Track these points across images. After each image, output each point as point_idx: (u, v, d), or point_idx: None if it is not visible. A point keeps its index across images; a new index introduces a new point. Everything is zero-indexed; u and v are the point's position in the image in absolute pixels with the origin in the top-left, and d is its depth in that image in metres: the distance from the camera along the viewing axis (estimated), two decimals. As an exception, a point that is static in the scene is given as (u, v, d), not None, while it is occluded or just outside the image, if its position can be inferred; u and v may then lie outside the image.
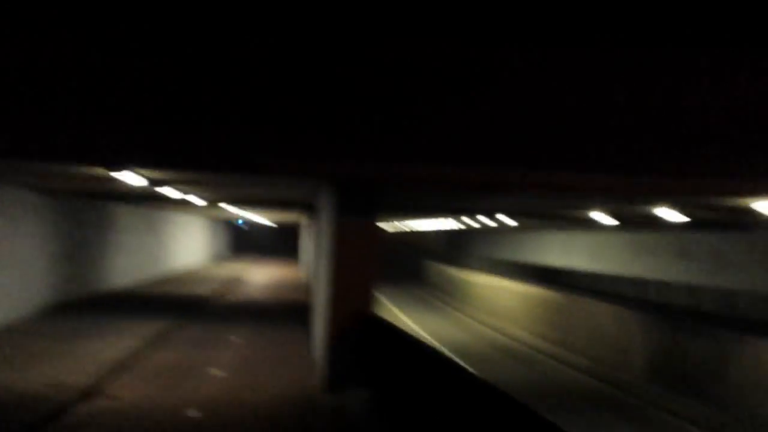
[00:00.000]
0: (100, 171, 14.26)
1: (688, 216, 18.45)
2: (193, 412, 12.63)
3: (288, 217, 46.81)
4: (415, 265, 69.11)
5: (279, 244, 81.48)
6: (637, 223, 24.74)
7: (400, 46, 10.84)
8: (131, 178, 13.80)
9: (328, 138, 11.62)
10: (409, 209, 30.91)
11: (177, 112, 11.29)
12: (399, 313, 40.71)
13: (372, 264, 14.36)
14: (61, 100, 10.81)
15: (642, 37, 10.25)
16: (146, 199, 26.05)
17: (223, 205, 31.75)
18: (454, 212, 31.49)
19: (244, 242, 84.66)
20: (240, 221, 72.89)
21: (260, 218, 57.56)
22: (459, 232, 62.18)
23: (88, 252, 28.39)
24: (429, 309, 44.72)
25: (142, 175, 13.96)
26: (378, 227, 14.29)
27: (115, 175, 13.92)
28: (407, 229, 70.47)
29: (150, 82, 11.06)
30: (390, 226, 62.55)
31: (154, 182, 15.75)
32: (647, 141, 12.08)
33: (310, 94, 11.57)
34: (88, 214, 28.20)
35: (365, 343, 13.59)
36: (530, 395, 21.37)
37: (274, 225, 76.12)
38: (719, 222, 21.39)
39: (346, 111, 11.69)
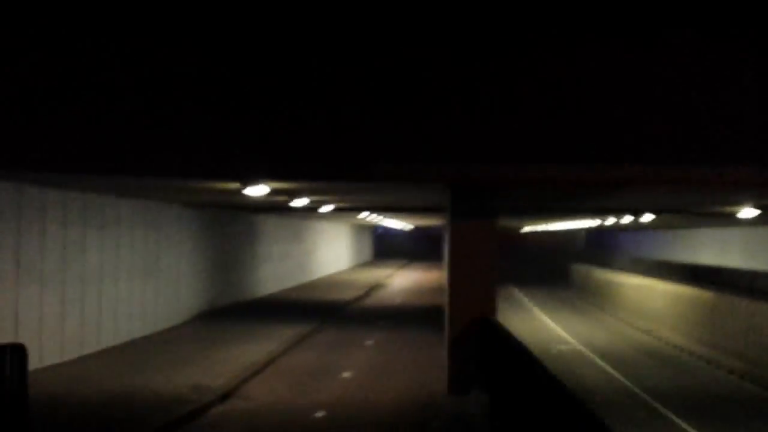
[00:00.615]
0: (232, 185, 15.16)
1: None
2: (320, 413, 13.15)
3: (431, 221, 47.30)
4: (558, 266, 67.63)
5: (424, 249, 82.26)
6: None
7: (515, 52, 10.85)
8: (259, 191, 14.57)
9: (437, 142, 11.79)
10: (538, 210, 30.39)
11: (298, 125, 11.88)
12: (542, 314, 40.05)
13: (492, 267, 14.33)
14: (191, 115, 11.69)
15: None
16: (286, 210, 27.23)
17: (363, 214, 32.61)
18: (590, 212, 30.61)
19: (389, 248, 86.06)
20: (380, 228, 74.27)
21: (403, 224, 58.42)
22: (602, 231, 60.20)
23: (235, 261, 30.05)
24: (573, 311, 43.66)
25: (269, 187, 14.69)
26: (495, 230, 14.25)
27: (246, 189, 14.73)
28: (548, 230, 69.04)
29: (273, 98, 11.71)
30: (528, 226, 61.56)
31: (279, 192, 16.53)
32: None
33: (421, 103, 11.81)
34: (234, 225, 29.86)
35: (487, 347, 13.59)
36: (679, 401, 20.43)
37: (417, 230, 76.94)
38: None
39: (456, 116, 11.81)
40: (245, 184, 14.29)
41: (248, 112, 11.78)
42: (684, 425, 18.15)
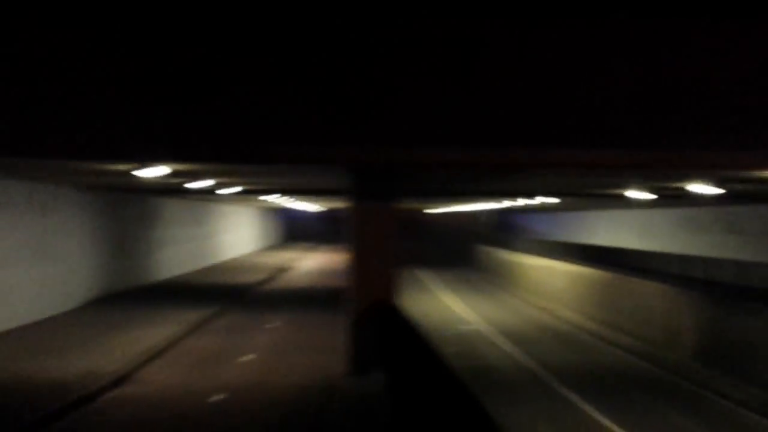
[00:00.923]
0: (124, 166, 14.66)
1: (722, 188, 17.94)
2: (217, 396, 12.95)
3: (339, 204, 47.20)
4: (463, 248, 68.94)
5: (333, 232, 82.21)
6: (672, 197, 24.25)
7: (417, 27, 10.84)
8: (156, 172, 14.15)
9: (340, 125, 11.73)
10: (440, 194, 30.82)
11: (194, 105, 11.57)
12: (446, 296, 40.73)
13: (392, 249, 14.42)
14: (82, 97, 11.19)
15: (661, 8, 10.02)
16: (186, 192, 26.61)
17: (266, 196, 32.21)
18: (492, 195, 31.27)
19: (296, 231, 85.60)
20: (288, 211, 73.73)
21: (311, 206, 58.14)
22: (503, 212, 61.72)
23: (134, 245, 29.19)
24: (477, 291, 44.59)
25: (166, 169, 14.29)
26: (395, 213, 14.33)
27: (138, 171, 14.28)
28: (454, 212, 70.24)
29: (165, 79, 11.35)
30: (433, 208, 62.45)
31: (177, 175, 16.11)
32: (679, 115, 11.84)
33: (321, 83, 11.69)
34: (132, 208, 28.97)
35: (385, 329, 13.69)
36: (574, 377, 21.17)
37: (326, 213, 76.77)
38: (745, 194, 20.80)
39: (358, 98, 11.76)
40: (142, 165, 13.85)
41: (145, 91, 11.38)
42: (575, 398, 18.85)
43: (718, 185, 17.62)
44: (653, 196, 22.80)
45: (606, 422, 16.88)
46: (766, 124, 11.86)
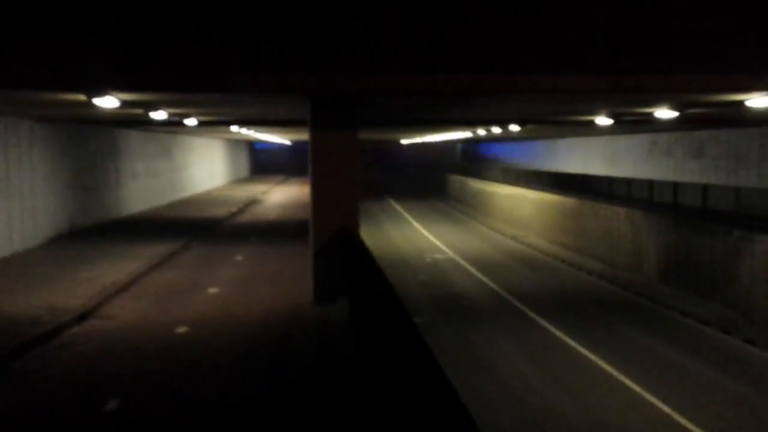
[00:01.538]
0: (79, 97, 14.29)
1: (681, 113, 17.99)
2: (182, 328, 12.99)
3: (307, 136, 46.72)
4: (436, 178, 69.06)
5: (303, 164, 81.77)
6: (635, 122, 24.30)
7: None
8: (108, 102, 13.81)
9: (295, 51, 11.46)
10: (404, 123, 30.55)
11: (149, 33, 11.22)
12: (419, 225, 40.95)
13: (354, 179, 14.34)
14: (32, 25, 10.80)
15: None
16: (149, 124, 26.13)
17: (235, 127, 31.74)
18: (460, 123, 31.09)
19: (267, 163, 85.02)
20: (257, 143, 72.98)
21: (280, 138, 57.55)
22: (475, 141, 61.65)
23: (97, 179, 28.78)
24: (449, 220, 44.86)
25: (119, 99, 13.95)
26: (356, 141, 14.19)
27: (95, 101, 13.92)
28: (425, 142, 70.07)
29: (116, 7, 10.97)
30: (404, 139, 62.17)
31: (131, 105, 15.74)
32: (640, 40, 11.73)
33: (276, 8, 11.37)
34: (95, 141, 28.45)
35: (348, 259, 13.72)
36: (539, 301, 21.59)
37: (296, 144, 76.15)
38: (709, 118, 20.90)
39: (313, 24, 11.47)
40: (92, 95, 13.49)
41: (95, 20, 11.01)
42: (539, 320, 19.27)
43: (678, 109, 17.65)
44: (613, 121, 22.82)
45: (565, 338, 17.31)
46: (725, 48, 11.82)
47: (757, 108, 15.34)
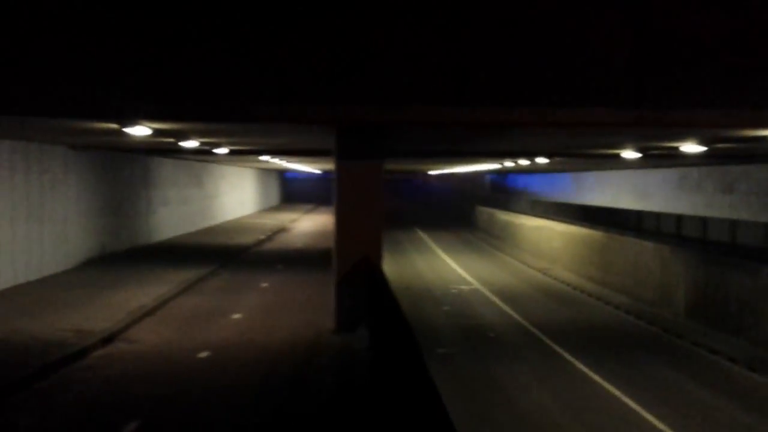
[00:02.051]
0: (112, 125, 14.66)
1: (708, 147, 17.92)
2: (204, 353, 13.16)
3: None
4: (464, 209, 69.04)
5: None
6: (662, 156, 24.22)
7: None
8: (139, 131, 14.16)
9: (323, 83, 11.69)
10: (431, 154, 30.69)
11: (180, 63, 11.54)
12: (446, 256, 40.93)
13: (378, 208, 14.48)
14: (66, 53, 11.18)
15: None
16: (181, 152, 26.63)
17: (265, 157, 32.17)
18: (488, 155, 31.18)
19: (296, 192, 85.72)
20: (287, 172, 73.65)
21: (310, 168, 58.09)
22: (503, 173, 61.63)
23: (130, 205, 29.30)
24: (476, 252, 44.78)
25: (150, 127, 14.30)
26: (381, 171, 14.36)
27: (127, 130, 14.28)
28: (453, 173, 70.21)
29: (147, 39, 11.32)
30: (433, 170, 62.40)
31: (161, 134, 16.11)
32: (668, 74, 11.79)
33: (303, 40, 11.64)
34: (128, 168, 29.03)
35: (370, 288, 13.82)
36: (566, 335, 21.41)
37: (326, 174, 76.68)
38: (738, 153, 20.78)
39: (339, 57, 11.71)
40: (124, 124, 13.85)
41: (128, 50, 11.36)
42: (566, 355, 19.10)
43: (705, 144, 17.59)
44: (640, 155, 22.78)
45: (590, 373, 17.14)
46: (752, 84, 11.83)
47: (785, 143, 15.26)
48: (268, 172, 68.14)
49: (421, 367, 5.49)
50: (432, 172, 71.24)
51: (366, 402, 8.78)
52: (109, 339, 13.99)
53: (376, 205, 14.43)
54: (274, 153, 30.13)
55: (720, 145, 17.48)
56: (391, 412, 4.71)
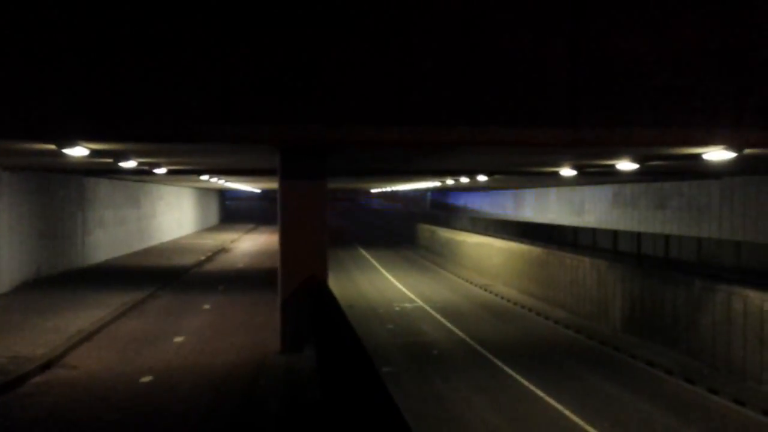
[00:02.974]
0: (49, 146, 14.33)
1: (643, 165, 18.52)
2: (147, 378, 12.89)
3: (277, 184, 46.83)
4: (406, 227, 69.39)
5: (273, 213, 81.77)
6: (598, 174, 24.91)
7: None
8: (78, 152, 13.87)
9: (266, 103, 11.68)
10: (373, 173, 30.85)
11: (119, 83, 11.36)
12: (387, 274, 41.01)
13: (322, 227, 14.48)
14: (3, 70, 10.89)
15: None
16: (118, 172, 26.13)
17: (205, 176, 31.80)
18: (429, 173, 31.52)
19: (237, 212, 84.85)
20: (226, 191, 72.85)
21: (250, 187, 57.60)
22: (444, 191, 62.20)
23: (64, 228, 28.56)
24: (418, 269, 45.00)
25: (88, 148, 14.03)
26: (325, 191, 14.38)
27: (64, 150, 13.97)
28: (393, 191, 70.58)
29: (85, 57, 11.12)
30: (375, 188, 62.65)
31: (100, 153, 15.81)
32: (607, 95, 12.14)
33: (246, 60, 11.62)
34: (63, 189, 28.31)
35: (315, 307, 13.78)
36: (506, 350, 21.70)
37: (265, 193, 76.22)
38: (670, 171, 21.54)
39: (283, 76, 11.72)
40: (62, 145, 13.56)
41: (65, 69, 11.14)
42: (507, 369, 19.35)
43: (639, 162, 18.16)
44: (576, 173, 23.36)
45: (532, 388, 17.40)
46: (683, 103, 12.29)
47: (714, 161, 15.85)
48: (207, 191, 67.30)
49: (377, 382, 5.51)
50: (373, 191, 71.44)
51: (319, 422, 8.75)
52: (47, 365, 13.59)
53: (321, 223, 14.42)
54: (215, 173, 29.82)
55: (653, 163, 18.06)
56: (349, 429, 4.72)
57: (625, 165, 19.14)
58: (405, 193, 72.81)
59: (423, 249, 58.94)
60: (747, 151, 13.74)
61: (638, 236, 28.14)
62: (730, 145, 13.02)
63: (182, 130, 11.85)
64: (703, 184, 29.87)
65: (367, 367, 6.25)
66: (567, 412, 15.55)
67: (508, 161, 21.86)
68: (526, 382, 18.09)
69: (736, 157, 14.00)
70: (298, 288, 14.31)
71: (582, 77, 12.15)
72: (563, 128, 12.63)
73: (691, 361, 20.42)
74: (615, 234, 30.20)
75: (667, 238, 26.46)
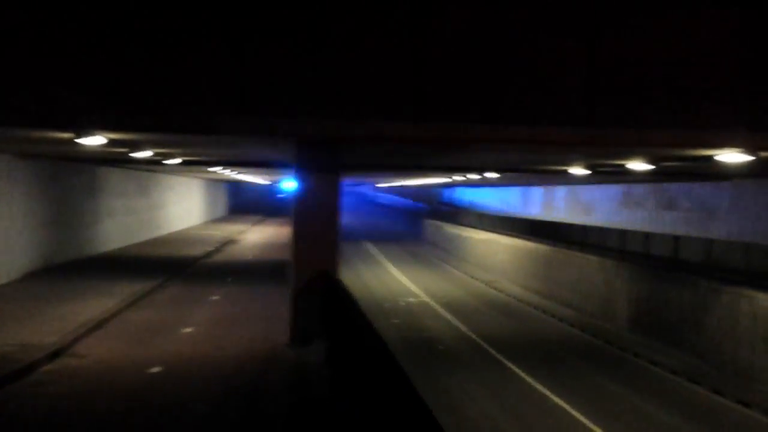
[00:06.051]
0: (66, 135, 14.38)
1: (656, 166, 18.48)
2: (155, 368, 12.95)
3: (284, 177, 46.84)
4: (413, 222, 69.39)
5: (281, 205, 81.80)
6: (610, 173, 24.90)
7: None
8: (95, 141, 13.90)
9: (284, 96, 11.70)
10: (386, 168, 30.88)
11: (139, 74, 11.40)
12: (393, 269, 41.04)
13: (335, 221, 14.51)
14: (19, 62, 10.94)
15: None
16: (130, 162, 26.20)
17: (211, 168, 31.86)
18: (440, 170, 31.50)
19: (245, 203, 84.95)
20: (235, 183, 72.97)
21: (259, 179, 57.65)
22: (453, 187, 62.11)
23: (75, 216, 28.66)
24: (424, 265, 45.03)
25: (106, 137, 14.06)
26: (338, 185, 14.42)
27: (81, 140, 14.01)
28: (402, 186, 70.54)
29: (104, 47, 11.16)
30: (384, 183, 62.68)
31: (117, 144, 15.85)
32: (619, 95, 12.12)
33: (264, 53, 11.64)
34: (74, 178, 28.40)
35: (327, 300, 13.82)
36: (510, 346, 21.72)
37: (274, 185, 76.25)
38: (681, 171, 21.53)
39: (301, 70, 11.74)
40: (80, 134, 13.60)
41: (85, 58, 11.18)
42: (512, 366, 19.39)
43: (652, 162, 18.12)
44: (589, 172, 23.33)
45: (537, 385, 17.43)
46: (697, 105, 12.27)
47: (726, 163, 15.80)
48: (215, 182, 67.40)
49: (401, 376, 5.52)
50: (382, 185, 71.45)
51: (329, 415, 8.79)
52: (56, 354, 13.66)
53: (334, 217, 14.46)
54: (229, 164, 29.87)
55: (666, 164, 18.02)
56: (369, 423, 4.74)
57: (638, 165, 19.10)
58: (413, 189, 72.81)
59: (429, 245, 58.95)
60: (762, 154, 13.71)
61: (646, 236, 28.09)
62: (746, 148, 13.00)
63: (202, 121, 11.90)
64: (714, 186, 29.79)
65: (389, 361, 6.26)
66: (569, 409, 15.59)
67: (522, 159, 21.84)
68: (529, 379, 18.12)
69: (752, 160, 13.97)
70: (309, 281, 14.36)
71: (599, 78, 12.14)
72: (579, 127, 12.64)
73: (696, 361, 20.41)
74: (623, 233, 30.14)
75: (675, 238, 26.41)
